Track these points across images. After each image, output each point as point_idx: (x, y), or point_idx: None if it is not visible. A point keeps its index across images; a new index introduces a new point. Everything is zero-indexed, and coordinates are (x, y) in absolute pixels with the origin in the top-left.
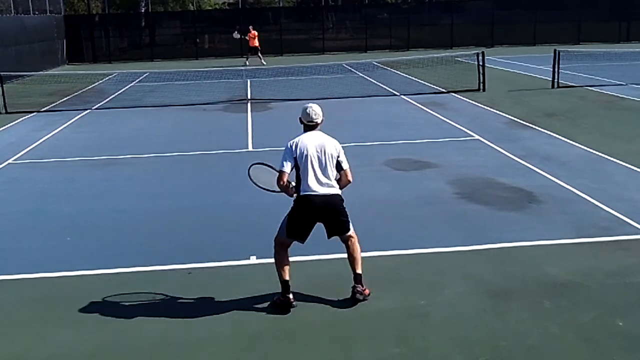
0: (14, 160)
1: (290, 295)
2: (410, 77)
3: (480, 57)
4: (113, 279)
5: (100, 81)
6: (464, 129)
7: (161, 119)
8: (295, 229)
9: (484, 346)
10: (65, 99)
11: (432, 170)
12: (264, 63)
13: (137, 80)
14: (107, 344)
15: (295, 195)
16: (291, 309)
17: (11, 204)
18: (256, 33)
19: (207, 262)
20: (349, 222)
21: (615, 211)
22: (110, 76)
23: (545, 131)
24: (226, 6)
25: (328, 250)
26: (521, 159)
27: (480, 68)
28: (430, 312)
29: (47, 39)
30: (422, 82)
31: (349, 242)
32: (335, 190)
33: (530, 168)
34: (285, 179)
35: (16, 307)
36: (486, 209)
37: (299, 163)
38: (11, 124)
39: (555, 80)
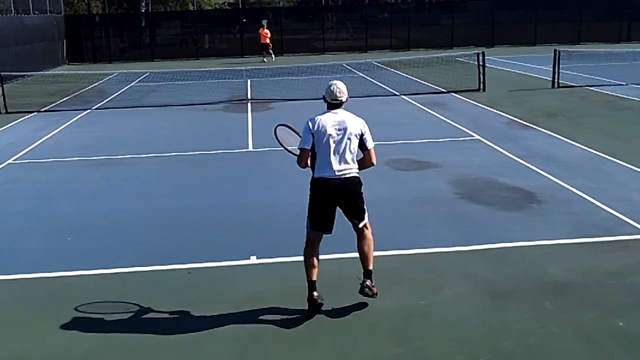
0: (14, 160)
1: (315, 293)
2: (410, 77)
3: (480, 57)
4: (113, 279)
5: (101, 81)
6: (464, 129)
7: (161, 119)
8: (316, 218)
9: (484, 346)
10: (65, 99)
11: (432, 170)
12: (265, 60)
13: (137, 80)
14: (107, 344)
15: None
16: (320, 308)
17: (11, 204)
18: (267, 32)
19: (207, 262)
20: (364, 210)
21: (616, 211)
22: (110, 76)
23: (546, 131)
24: (226, 6)
25: (328, 250)
26: (521, 159)
27: (481, 68)
28: (430, 312)
29: (47, 39)
30: (422, 82)
31: (362, 234)
32: (353, 172)
33: (530, 168)
34: (305, 158)
35: (16, 307)
36: (486, 209)
37: (316, 142)
38: (11, 124)
39: (556, 80)
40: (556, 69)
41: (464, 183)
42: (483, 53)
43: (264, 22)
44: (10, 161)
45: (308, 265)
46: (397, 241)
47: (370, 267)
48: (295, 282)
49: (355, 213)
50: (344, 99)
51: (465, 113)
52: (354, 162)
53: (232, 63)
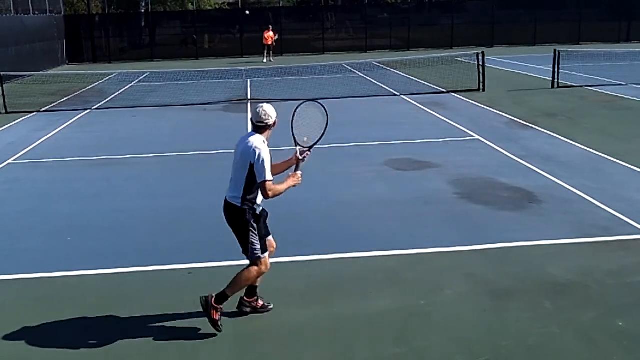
0: (14, 160)
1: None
2: (410, 77)
3: (480, 57)
4: (113, 279)
5: (100, 81)
6: (464, 129)
7: (161, 119)
8: None
9: (484, 346)
10: (65, 99)
11: (432, 170)
12: (264, 61)
13: (137, 80)
14: (107, 343)
15: None
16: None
17: (11, 204)
18: (271, 35)
19: (208, 262)
20: (247, 246)
21: (616, 211)
22: (110, 76)
23: (546, 131)
24: (226, 6)
25: (328, 250)
26: (521, 159)
27: (480, 68)
28: (430, 312)
29: (47, 39)
30: (422, 82)
31: (249, 264)
32: (234, 201)
33: (530, 168)
34: None
35: (16, 307)
36: (486, 209)
37: None
38: (11, 124)
39: (556, 80)
40: (556, 69)
41: (464, 183)
42: (483, 53)
43: (270, 27)
44: (10, 161)
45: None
46: (397, 241)
47: (228, 293)
48: (294, 282)
49: (240, 242)
50: (269, 122)
51: (465, 113)
52: (240, 191)
53: (232, 63)
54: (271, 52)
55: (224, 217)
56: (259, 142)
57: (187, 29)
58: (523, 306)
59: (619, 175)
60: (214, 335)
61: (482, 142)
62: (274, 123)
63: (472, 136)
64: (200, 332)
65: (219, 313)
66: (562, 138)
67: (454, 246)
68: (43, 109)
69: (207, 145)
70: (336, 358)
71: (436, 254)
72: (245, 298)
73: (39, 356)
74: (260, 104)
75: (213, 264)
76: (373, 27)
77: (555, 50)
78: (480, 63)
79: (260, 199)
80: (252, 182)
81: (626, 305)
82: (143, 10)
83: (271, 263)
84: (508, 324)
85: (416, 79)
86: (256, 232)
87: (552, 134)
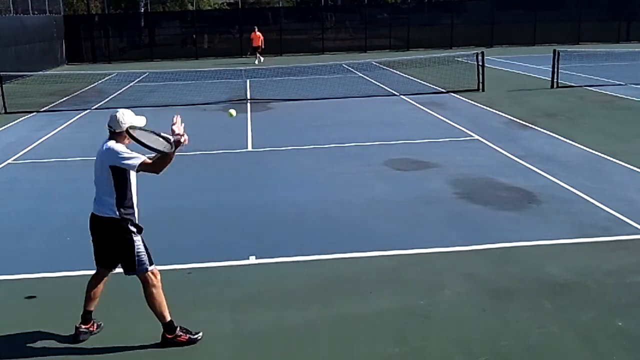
0: (14, 160)
1: (82, 327)
2: (410, 77)
3: (480, 57)
4: (113, 278)
5: (100, 81)
6: (463, 129)
7: (161, 119)
8: (94, 251)
9: (484, 346)
10: (65, 99)
11: (432, 170)
12: (262, 60)
13: (136, 80)
14: (107, 343)
15: None
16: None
17: (11, 204)
18: (259, 34)
19: (207, 262)
20: (133, 260)
21: (615, 211)
22: (109, 76)
23: (545, 131)
24: (225, 6)
25: (328, 250)
26: (521, 159)
27: (480, 68)
28: (430, 312)
29: (46, 39)
30: (421, 82)
31: (143, 286)
32: (107, 213)
33: (530, 168)
34: None
35: (16, 307)
36: (486, 209)
37: None
38: (11, 124)
39: (555, 80)
40: (555, 69)
41: (463, 183)
42: (482, 53)
43: (255, 27)
44: (10, 161)
45: (87, 295)
46: (397, 241)
47: (164, 321)
48: (294, 282)
49: (116, 260)
50: (117, 130)
51: (464, 113)
52: (110, 199)
53: (231, 63)
54: (258, 53)
55: (92, 232)
56: (113, 144)
57: (187, 29)
58: (523, 306)
59: (618, 175)
60: (214, 335)
61: (482, 142)
62: (124, 135)
63: (471, 136)
64: (200, 332)
65: (182, 333)
66: (562, 138)
67: (454, 246)
68: (43, 109)
69: (207, 145)
70: (336, 358)
71: (436, 254)
72: (82, 326)
73: (38, 356)
74: (119, 109)
75: (213, 264)
76: (372, 27)
77: (554, 50)
78: (480, 63)
79: (136, 209)
80: (123, 185)
81: (625, 305)
82: (142, 10)
83: (270, 264)
84: (508, 324)
85: (416, 79)
86: (141, 242)
87: (551, 134)
